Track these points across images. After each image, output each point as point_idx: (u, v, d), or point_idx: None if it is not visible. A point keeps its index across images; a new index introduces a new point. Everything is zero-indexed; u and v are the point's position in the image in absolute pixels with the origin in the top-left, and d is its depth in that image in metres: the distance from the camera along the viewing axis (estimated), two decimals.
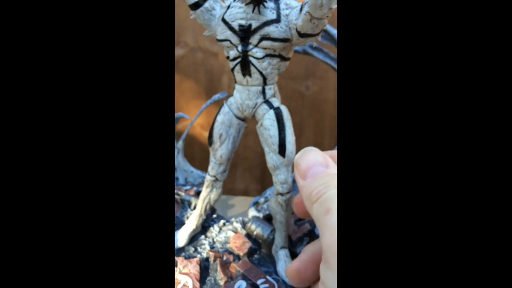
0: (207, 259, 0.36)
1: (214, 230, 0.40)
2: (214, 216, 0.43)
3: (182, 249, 0.37)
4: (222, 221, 0.41)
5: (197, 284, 0.33)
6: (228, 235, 0.39)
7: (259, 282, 0.32)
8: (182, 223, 0.40)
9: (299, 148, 0.29)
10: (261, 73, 0.31)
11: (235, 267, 0.35)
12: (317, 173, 0.23)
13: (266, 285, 0.32)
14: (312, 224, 0.39)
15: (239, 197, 0.50)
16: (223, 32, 0.30)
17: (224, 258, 0.36)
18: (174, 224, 0.39)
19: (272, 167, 0.32)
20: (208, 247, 0.38)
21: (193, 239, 0.39)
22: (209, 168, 0.36)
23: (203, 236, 0.39)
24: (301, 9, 0.27)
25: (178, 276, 0.33)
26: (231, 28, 0.29)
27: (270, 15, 0.28)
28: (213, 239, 0.39)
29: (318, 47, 0.38)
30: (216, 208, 0.43)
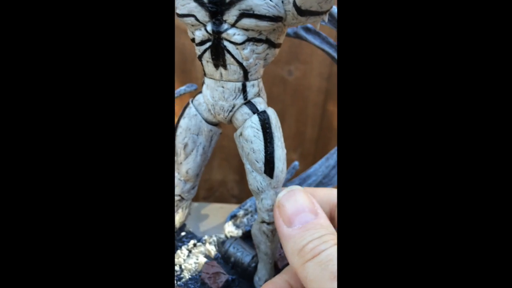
0: None
1: (182, 253, 0.31)
2: (183, 234, 0.33)
3: None
4: (192, 241, 0.32)
5: None
6: (200, 261, 0.30)
7: None
8: None
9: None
10: (240, 64, 0.20)
11: None
12: (307, 222, 0.19)
13: None
14: None
15: (214, 205, 0.41)
16: (184, 4, 0.20)
17: None
18: (174, 223, 0.30)
19: (255, 189, 0.22)
20: None
21: None
22: None
23: None
24: None
25: None
26: None
27: None
28: (180, 266, 0.30)
29: (313, 29, 0.28)
30: (186, 221, 0.34)
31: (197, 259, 0.30)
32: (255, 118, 0.21)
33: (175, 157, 0.25)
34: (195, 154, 0.24)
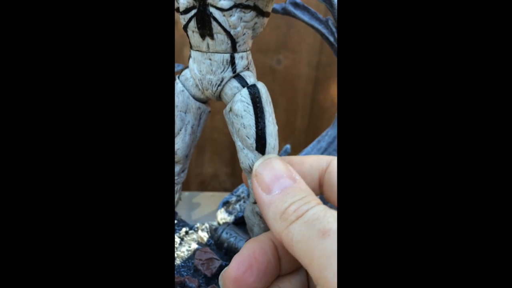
0: None
1: (174, 241, 0.29)
2: (175, 221, 0.31)
3: None
4: (184, 229, 0.30)
5: None
6: (192, 248, 0.29)
7: None
8: None
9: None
10: (228, 33, 0.19)
11: None
12: (286, 187, 0.18)
13: None
14: None
15: (206, 193, 0.39)
16: None
17: (187, 283, 0.25)
18: (173, 222, 0.28)
19: (247, 168, 0.21)
20: None
21: None
22: None
23: None
24: None
25: None
26: None
27: None
28: None
29: (302, 4, 0.26)
30: (177, 210, 0.32)
31: (190, 247, 0.29)
32: (245, 91, 0.20)
33: None
34: (183, 134, 0.23)
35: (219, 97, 0.21)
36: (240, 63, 0.20)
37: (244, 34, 0.19)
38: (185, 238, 0.30)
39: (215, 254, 0.28)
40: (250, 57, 0.21)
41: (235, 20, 0.19)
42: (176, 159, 0.24)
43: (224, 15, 0.18)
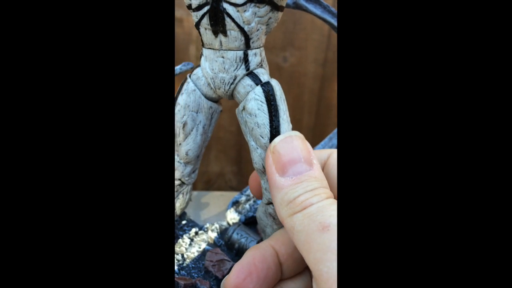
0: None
1: (184, 242, 0.29)
2: (184, 222, 0.31)
3: None
4: (194, 230, 0.30)
5: None
6: (202, 249, 0.28)
7: None
8: None
9: None
10: (241, 29, 0.18)
11: None
12: (301, 173, 0.17)
13: None
14: None
15: (214, 193, 0.39)
16: None
17: (199, 285, 0.25)
18: (173, 222, 0.28)
19: (260, 168, 0.20)
20: (175, 268, 0.26)
21: None
22: None
23: None
24: None
25: None
26: None
27: None
28: (182, 255, 0.28)
29: None
30: (186, 210, 0.32)
31: (200, 247, 0.28)
32: (258, 89, 0.19)
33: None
34: (195, 134, 0.22)
35: (231, 96, 0.21)
36: (254, 60, 0.20)
37: (258, 30, 0.19)
38: (195, 239, 0.29)
39: (226, 255, 0.27)
40: (263, 53, 0.20)
41: (249, 16, 0.18)
42: (187, 160, 0.23)
43: (238, 11, 0.18)
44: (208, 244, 0.29)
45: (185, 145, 0.22)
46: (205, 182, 0.61)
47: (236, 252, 0.28)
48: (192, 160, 0.23)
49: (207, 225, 0.31)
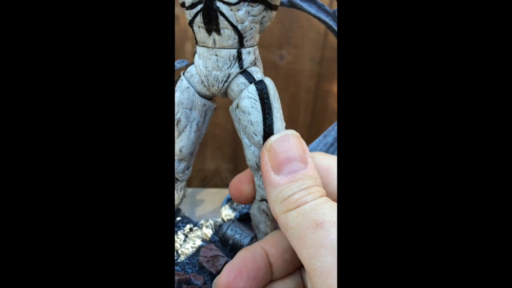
0: None
1: (178, 238, 0.29)
2: (178, 218, 0.31)
3: None
4: (188, 226, 0.30)
5: None
6: (197, 245, 0.28)
7: None
8: None
9: None
10: (235, 27, 0.18)
11: None
12: (296, 171, 0.18)
13: None
14: None
15: (210, 190, 0.39)
16: None
17: (193, 280, 0.25)
18: (173, 219, 0.28)
19: (253, 165, 0.21)
20: None
21: None
22: None
23: None
24: None
25: None
26: None
27: None
28: (177, 251, 0.28)
29: None
30: (181, 206, 0.32)
31: (194, 243, 0.29)
32: (252, 87, 0.20)
33: None
34: (188, 131, 0.22)
35: (225, 94, 0.21)
36: (247, 58, 0.20)
37: (252, 28, 0.19)
38: (189, 235, 0.30)
39: (220, 251, 0.27)
40: (257, 52, 0.21)
41: (242, 15, 0.18)
42: (181, 157, 0.23)
43: (231, 10, 0.18)
44: (203, 240, 0.29)
45: (179, 142, 0.23)
46: (201, 179, 0.62)
47: (230, 248, 0.28)
48: (186, 157, 0.23)
49: (202, 221, 0.31)
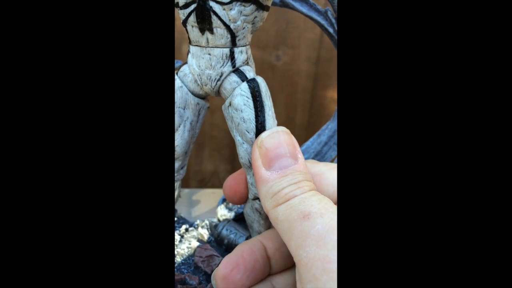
0: None
1: (174, 239, 0.29)
2: (175, 218, 0.31)
3: None
4: (184, 226, 0.30)
5: None
6: (193, 245, 0.29)
7: None
8: None
9: None
10: (228, 27, 0.19)
11: None
12: (287, 167, 0.18)
13: None
14: None
15: (206, 190, 0.39)
16: None
17: (188, 280, 0.25)
18: (173, 220, 0.28)
19: (246, 163, 0.21)
20: None
21: None
22: None
23: None
24: None
25: None
26: None
27: None
28: None
29: None
30: (177, 207, 0.32)
31: (190, 244, 0.29)
32: (244, 85, 0.20)
33: None
34: (182, 130, 0.23)
35: (218, 93, 0.21)
36: (240, 57, 0.20)
37: (244, 28, 0.19)
38: (185, 236, 0.30)
39: (216, 251, 0.28)
40: (249, 51, 0.21)
41: (235, 14, 0.18)
42: (175, 156, 0.24)
43: (224, 9, 0.18)
44: (198, 240, 0.30)
45: (174, 142, 0.23)
46: (199, 180, 0.62)
47: (225, 248, 0.29)
48: (180, 156, 0.24)
49: (198, 221, 0.31)
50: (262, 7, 0.19)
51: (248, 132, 0.20)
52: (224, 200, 0.33)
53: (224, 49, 0.20)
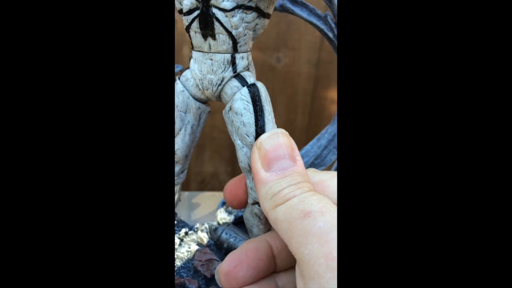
0: None
1: (174, 243, 0.29)
2: (174, 222, 0.32)
3: None
4: (184, 230, 0.31)
5: None
6: (192, 249, 0.29)
7: None
8: None
9: None
10: (229, 33, 0.19)
11: None
12: (285, 168, 0.18)
13: None
14: None
15: (206, 193, 0.39)
16: None
17: (187, 284, 0.26)
18: (173, 223, 0.28)
19: (246, 167, 0.21)
20: None
21: None
22: None
23: None
24: None
25: None
26: None
27: None
28: None
29: (301, 0, 0.26)
30: (177, 210, 0.32)
31: (189, 247, 0.29)
32: (244, 90, 0.20)
33: None
34: (183, 134, 0.23)
35: (219, 97, 0.22)
36: (241, 63, 0.20)
37: (245, 35, 0.20)
38: (184, 239, 0.30)
39: (215, 255, 0.28)
40: (250, 58, 0.21)
41: (237, 21, 0.19)
42: (175, 159, 0.24)
43: (226, 16, 0.18)
44: (198, 244, 0.30)
45: (174, 145, 0.23)
46: (199, 182, 0.62)
47: (225, 251, 0.29)
48: (180, 159, 0.24)
49: (197, 225, 0.31)
50: (263, 14, 0.20)
51: (248, 136, 0.20)
52: (224, 204, 0.33)
53: (226, 54, 0.20)
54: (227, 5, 0.18)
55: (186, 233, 0.30)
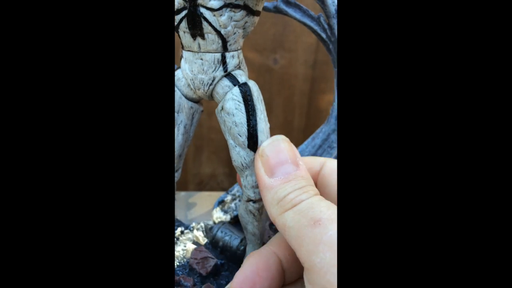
0: None
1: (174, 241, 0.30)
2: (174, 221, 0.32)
3: None
4: (179, 229, 0.31)
5: None
6: (188, 248, 0.29)
7: None
8: None
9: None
10: (218, 32, 0.19)
11: None
12: (289, 173, 0.18)
13: None
14: None
15: (202, 193, 0.40)
16: None
17: (182, 282, 0.26)
18: (173, 222, 0.28)
19: (239, 166, 0.21)
20: None
21: None
22: None
23: None
24: None
25: None
26: None
27: None
28: None
29: (294, 2, 0.27)
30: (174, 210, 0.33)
31: (185, 246, 0.29)
32: (236, 90, 0.20)
33: None
34: (176, 133, 0.23)
35: (211, 96, 0.22)
36: (231, 62, 0.21)
37: (235, 33, 0.20)
38: (180, 238, 0.30)
39: (210, 253, 0.28)
40: (241, 56, 0.22)
41: (225, 20, 0.19)
42: None
43: (214, 15, 0.19)
44: (194, 242, 0.30)
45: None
46: (197, 183, 0.62)
47: (220, 250, 0.29)
48: (174, 159, 0.24)
49: (193, 224, 0.32)
50: (252, 12, 0.20)
51: (240, 136, 0.20)
52: (219, 203, 0.33)
53: (216, 54, 0.20)
54: (215, 4, 0.18)
55: (182, 232, 0.31)
